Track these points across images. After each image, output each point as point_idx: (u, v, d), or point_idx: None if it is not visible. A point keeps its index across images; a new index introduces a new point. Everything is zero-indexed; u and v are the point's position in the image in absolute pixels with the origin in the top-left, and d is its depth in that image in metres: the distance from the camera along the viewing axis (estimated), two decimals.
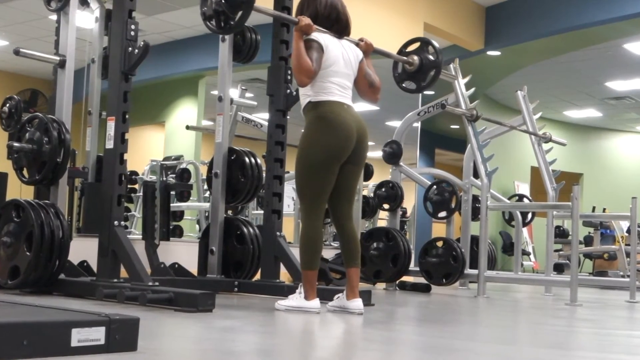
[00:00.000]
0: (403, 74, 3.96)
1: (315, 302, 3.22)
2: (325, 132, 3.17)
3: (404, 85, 3.99)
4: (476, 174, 5.52)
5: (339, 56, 3.26)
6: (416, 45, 3.94)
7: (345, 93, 3.27)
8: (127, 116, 3.54)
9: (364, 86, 3.37)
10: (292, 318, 3.14)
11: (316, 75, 3.16)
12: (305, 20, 3.20)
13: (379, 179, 6.43)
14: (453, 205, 5.96)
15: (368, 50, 3.43)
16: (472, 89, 5.68)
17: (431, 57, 3.84)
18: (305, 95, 3.25)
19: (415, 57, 3.86)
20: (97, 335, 1.64)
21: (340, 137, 3.17)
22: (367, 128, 3.31)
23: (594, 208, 10.70)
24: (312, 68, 3.12)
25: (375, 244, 5.61)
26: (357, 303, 3.24)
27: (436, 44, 3.88)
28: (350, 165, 3.26)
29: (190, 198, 6.39)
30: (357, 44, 3.41)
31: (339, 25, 3.34)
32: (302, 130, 3.27)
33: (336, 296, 3.33)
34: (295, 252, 4.24)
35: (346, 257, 3.30)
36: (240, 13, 3.13)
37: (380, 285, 5.74)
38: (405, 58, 3.89)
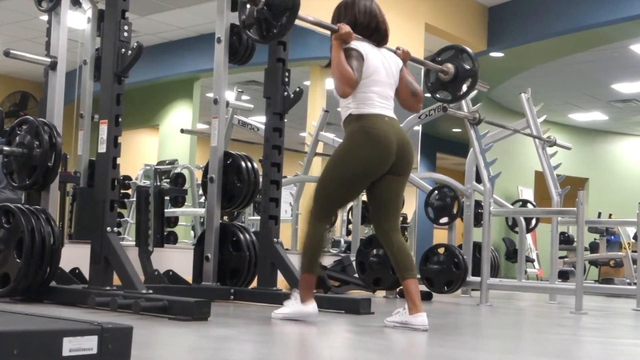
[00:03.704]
0: (437, 83, 3.86)
1: (313, 306, 3.15)
2: (365, 146, 3.08)
3: (437, 95, 3.91)
4: (479, 179, 5.48)
5: (380, 65, 3.18)
6: (450, 52, 3.84)
7: (387, 104, 3.18)
8: (120, 119, 3.50)
9: (406, 95, 3.29)
10: (289, 327, 3.10)
11: (357, 84, 3.07)
12: (346, 28, 3.11)
13: None
14: (455, 210, 5.92)
15: (406, 58, 3.35)
16: (475, 91, 5.61)
17: (467, 66, 3.76)
18: (346, 107, 3.16)
19: (450, 66, 3.77)
20: (90, 344, 1.60)
21: (380, 151, 3.08)
22: (409, 139, 3.24)
23: (599, 214, 10.63)
24: (354, 77, 3.04)
25: (375, 251, 5.56)
26: (422, 318, 3.03)
27: (471, 51, 3.78)
28: (393, 176, 3.16)
29: (185, 203, 6.35)
30: (394, 52, 3.33)
31: (378, 35, 3.24)
32: (342, 140, 3.19)
33: (395, 311, 3.15)
34: (292, 259, 4.20)
35: (399, 270, 3.15)
36: (284, 20, 3.05)
37: (380, 293, 5.69)
38: (440, 67, 3.78)
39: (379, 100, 3.14)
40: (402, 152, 3.13)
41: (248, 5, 3.13)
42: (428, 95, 4.00)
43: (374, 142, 3.07)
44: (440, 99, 3.93)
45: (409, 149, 3.19)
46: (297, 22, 3.14)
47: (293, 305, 3.19)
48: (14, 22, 6.89)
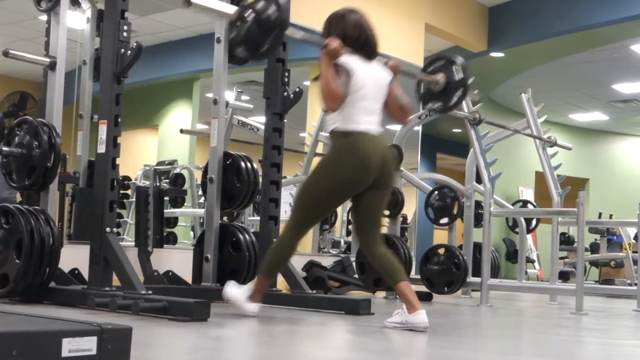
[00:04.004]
0: (428, 93, 3.88)
1: (253, 307, 3.29)
2: (347, 164, 3.13)
3: (429, 105, 3.92)
4: (479, 179, 5.46)
5: (368, 80, 3.20)
6: (441, 62, 3.85)
7: (373, 119, 3.21)
8: (119, 119, 3.48)
9: (394, 109, 3.32)
10: (289, 328, 3.10)
11: (345, 99, 3.11)
12: (335, 43, 3.12)
13: None
14: (455, 211, 5.91)
15: (396, 71, 3.37)
16: (475, 92, 5.60)
17: (458, 76, 3.77)
18: (332, 120, 3.19)
19: (441, 76, 3.78)
20: (89, 345, 1.58)
21: (361, 169, 3.13)
22: (392, 155, 3.30)
23: (600, 214, 10.62)
24: (342, 93, 3.08)
25: None
26: (421, 316, 3.04)
27: (462, 61, 3.80)
28: (375, 191, 3.20)
29: (185, 204, 6.34)
30: (384, 65, 3.34)
31: (368, 48, 3.26)
32: (326, 154, 3.27)
33: (395, 312, 3.16)
34: (293, 260, 4.17)
35: (389, 277, 3.19)
36: (272, 38, 3.06)
37: (380, 294, 5.68)
38: (431, 77, 3.80)
39: (365, 115, 3.17)
40: (384, 168, 3.18)
41: (238, 23, 3.13)
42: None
43: (356, 160, 3.12)
44: (431, 108, 3.95)
45: (391, 165, 3.25)
46: (290, 33, 3.15)
47: (241, 295, 3.32)
48: (13, 22, 6.89)
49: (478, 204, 5.95)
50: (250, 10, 3.05)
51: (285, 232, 3.27)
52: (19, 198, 4.78)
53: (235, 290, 3.35)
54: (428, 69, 3.88)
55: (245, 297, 3.31)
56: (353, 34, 3.22)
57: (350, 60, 3.16)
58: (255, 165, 4.39)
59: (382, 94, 3.26)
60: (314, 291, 4.22)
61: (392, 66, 3.35)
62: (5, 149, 3.61)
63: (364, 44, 3.24)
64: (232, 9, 3.09)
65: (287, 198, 6.16)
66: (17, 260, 3.34)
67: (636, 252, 8.29)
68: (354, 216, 3.31)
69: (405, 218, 8.22)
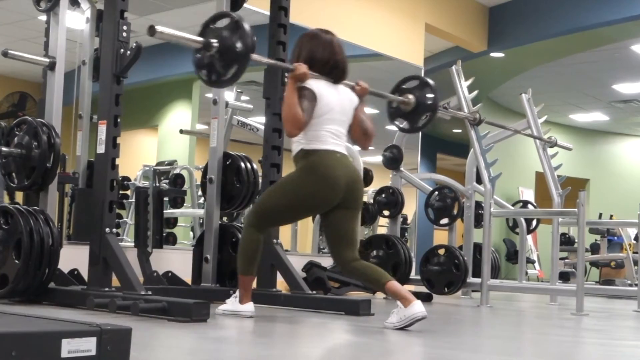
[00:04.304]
0: (397, 111, 3.95)
1: (249, 306, 3.28)
2: (311, 183, 3.15)
3: (396, 122, 4.00)
4: (479, 180, 5.45)
5: (334, 103, 3.21)
6: (414, 82, 3.92)
7: (339, 141, 3.23)
8: (118, 120, 3.48)
9: (357, 134, 3.33)
10: (289, 328, 3.09)
11: (306, 126, 3.12)
12: (301, 68, 3.14)
13: (378, 185, 6.36)
14: (455, 211, 5.90)
15: (363, 94, 3.37)
16: (475, 92, 5.61)
17: (428, 100, 3.83)
18: (298, 142, 3.20)
19: (411, 97, 3.85)
20: (88, 345, 1.58)
21: (326, 188, 3.14)
22: (360, 176, 3.31)
23: (600, 215, 10.61)
24: (303, 119, 3.08)
25: (375, 252, 5.56)
26: (417, 306, 3.03)
27: (434, 85, 3.86)
28: (343, 210, 3.22)
29: (184, 204, 6.32)
30: (352, 88, 3.35)
31: (337, 71, 3.27)
32: (293, 172, 3.25)
33: (391, 312, 3.13)
34: (293, 260, 4.18)
35: (374, 283, 3.20)
36: (234, 70, 3.07)
37: (381, 295, 5.66)
38: (400, 98, 3.86)
39: (331, 138, 3.18)
40: (351, 188, 3.19)
41: (202, 52, 3.14)
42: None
43: (322, 179, 3.13)
44: (398, 126, 4.03)
45: (358, 185, 3.25)
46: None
47: (231, 304, 3.32)
48: (12, 22, 6.88)
49: (478, 205, 5.94)
50: (215, 41, 3.05)
51: (245, 230, 3.29)
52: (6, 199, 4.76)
53: (225, 305, 3.36)
54: (402, 85, 3.94)
55: (236, 303, 3.32)
56: (323, 56, 3.23)
57: (317, 84, 3.17)
58: (255, 166, 4.39)
59: (348, 117, 3.27)
60: (314, 292, 4.21)
61: (360, 89, 3.35)
62: (4, 149, 3.61)
63: (333, 67, 3.25)
64: (197, 39, 3.11)
65: None
66: (16, 261, 3.34)
67: (637, 252, 8.29)
68: (325, 234, 3.32)
69: (405, 218, 8.20)
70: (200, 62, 3.14)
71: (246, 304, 3.29)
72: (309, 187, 3.15)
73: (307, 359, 2.32)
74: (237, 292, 3.35)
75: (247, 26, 3.04)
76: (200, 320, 2.92)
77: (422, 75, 6.00)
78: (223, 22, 3.12)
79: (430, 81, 3.87)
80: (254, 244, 3.28)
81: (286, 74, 3.26)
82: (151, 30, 2.98)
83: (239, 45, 3.02)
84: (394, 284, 3.11)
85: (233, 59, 3.05)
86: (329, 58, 3.23)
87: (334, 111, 3.19)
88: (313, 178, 3.14)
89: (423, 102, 3.84)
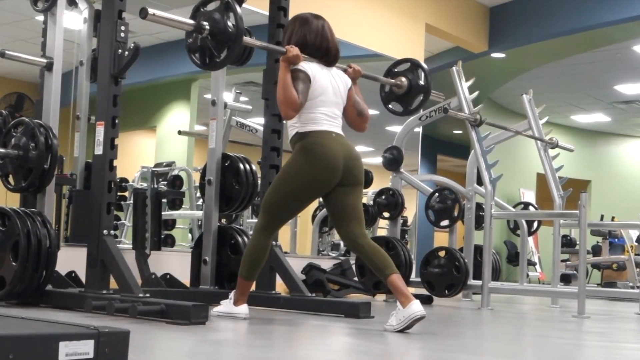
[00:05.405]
0: (390, 95, 3.98)
1: (243, 308, 3.31)
2: (310, 164, 3.15)
3: (390, 106, 4.03)
4: (480, 181, 5.44)
5: (328, 85, 3.22)
6: (406, 65, 3.94)
7: (335, 122, 3.24)
8: (116, 121, 3.46)
9: (352, 115, 3.34)
10: (288, 330, 3.07)
11: (301, 107, 3.13)
12: (294, 50, 3.15)
13: (378, 186, 6.35)
14: (456, 213, 5.87)
15: (356, 76, 3.40)
16: (476, 93, 5.59)
17: (421, 81, 3.85)
18: (293, 126, 3.22)
19: (404, 80, 3.88)
20: (86, 348, 1.58)
21: (325, 167, 3.15)
22: (358, 153, 3.28)
23: (602, 216, 10.59)
24: (298, 101, 3.09)
25: None
26: (416, 305, 3.02)
27: (426, 67, 3.89)
28: (345, 188, 3.22)
29: (183, 206, 6.32)
30: (345, 71, 3.38)
31: (329, 56, 3.29)
32: (290, 157, 3.26)
33: (391, 314, 3.12)
34: (292, 263, 4.17)
35: (379, 270, 3.17)
36: (226, 51, 3.09)
37: (381, 297, 5.65)
38: (393, 81, 3.90)
39: (326, 118, 3.19)
40: (349, 165, 3.19)
41: (194, 34, 3.18)
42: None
43: (320, 159, 3.14)
44: (392, 110, 4.04)
45: (357, 163, 3.24)
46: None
47: (226, 306, 3.35)
48: (9, 22, 6.87)
49: (479, 206, 5.93)
50: (206, 23, 3.08)
51: (255, 235, 3.29)
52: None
53: (220, 307, 3.38)
54: (394, 69, 3.96)
55: (231, 305, 3.33)
56: (314, 42, 3.26)
57: (309, 67, 3.18)
58: (254, 167, 4.39)
59: (342, 99, 3.28)
60: (313, 294, 4.19)
61: (352, 71, 3.38)
62: (1, 150, 3.59)
63: (325, 53, 3.27)
64: (188, 22, 3.14)
65: None
66: (13, 263, 3.33)
67: (638, 254, 8.28)
68: (330, 216, 3.32)
69: (405, 220, 8.19)
70: (192, 46, 3.15)
71: (240, 305, 3.31)
72: (308, 168, 3.15)
73: None
74: (233, 294, 3.36)
75: (237, 7, 3.07)
76: (199, 323, 2.92)
77: None
78: (213, 5, 3.16)
79: (423, 63, 3.90)
80: (261, 252, 3.30)
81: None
82: (143, 12, 2.99)
83: (230, 25, 3.05)
84: (397, 278, 3.09)
85: (225, 40, 3.07)
86: (320, 44, 3.26)
87: (327, 93, 3.20)
88: (311, 158, 3.15)
89: (416, 84, 3.87)
